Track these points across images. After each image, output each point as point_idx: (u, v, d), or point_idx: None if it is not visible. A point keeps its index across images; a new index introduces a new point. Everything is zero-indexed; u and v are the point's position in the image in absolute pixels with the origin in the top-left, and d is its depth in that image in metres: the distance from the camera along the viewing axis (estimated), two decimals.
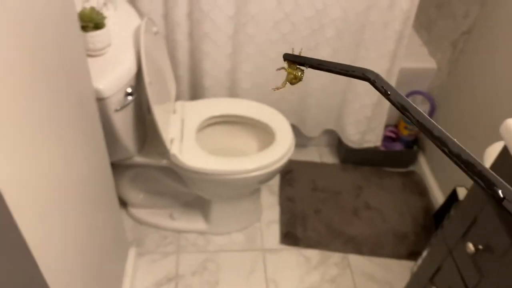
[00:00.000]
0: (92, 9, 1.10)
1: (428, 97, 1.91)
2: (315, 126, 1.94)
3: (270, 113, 1.63)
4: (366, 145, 1.96)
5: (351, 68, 0.58)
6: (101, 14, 1.11)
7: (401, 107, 0.47)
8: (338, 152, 2.11)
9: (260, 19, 1.54)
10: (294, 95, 1.83)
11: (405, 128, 1.98)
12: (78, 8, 1.11)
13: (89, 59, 1.14)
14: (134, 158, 1.42)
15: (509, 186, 0.32)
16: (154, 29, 1.37)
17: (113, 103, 1.13)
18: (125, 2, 1.42)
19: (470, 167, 0.35)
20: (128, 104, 1.18)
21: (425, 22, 2.01)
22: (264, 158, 1.46)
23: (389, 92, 0.50)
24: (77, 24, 0.83)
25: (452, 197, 1.63)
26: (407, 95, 1.95)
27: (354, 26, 1.59)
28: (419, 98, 1.94)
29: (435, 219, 1.80)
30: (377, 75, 0.52)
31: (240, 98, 1.78)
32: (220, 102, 1.67)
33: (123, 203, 1.76)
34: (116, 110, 1.15)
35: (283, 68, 0.72)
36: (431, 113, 1.92)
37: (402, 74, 1.79)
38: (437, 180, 1.90)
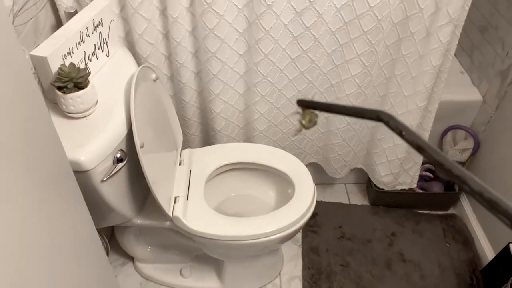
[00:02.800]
0: (72, 65, 0.94)
1: (471, 132, 1.66)
2: (341, 167, 1.73)
3: (288, 160, 1.43)
4: (399, 187, 1.73)
5: (363, 110, 0.52)
6: (83, 71, 0.95)
7: (417, 147, 0.43)
8: (368, 192, 1.89)
9: (275, 57, 1.35)
10: (317, 134, 1.63)
11: None
12: (58, 64, 0.96)
13: (71, 122, 0.98)
14: (133, 220, 1.26)
15: None
16: (153, 75, 1.21)
17: (99, 173, 0.97)
18: (121, 45, 1.26)
19: (494, 205, 0.34)
20: (118, 171, 1.02)
21: (466, 46, 1.77)
22: (283, 217, 1.26)
23: (403, 132, 0.45)
24: (41, 99, 0.67)
25: (505, 255, 1.39)
26: (446, 131, 1.72)
27: (383, 60, 1.38)
28: (461, 134, 1.69)
29: (483, 276, 1.55)
30: (390, 116, 0.47)
31: (256, 140, 1.59)
32: (231, 148, 1.49)
33: (130, 258, 1.61)
34: (103, 181, 0.99)
35: (297, 112, 0.64)
36: (475, 150, 1.67)
37: (441, 107, 1.56)
38: (484, 227, 1.65)
